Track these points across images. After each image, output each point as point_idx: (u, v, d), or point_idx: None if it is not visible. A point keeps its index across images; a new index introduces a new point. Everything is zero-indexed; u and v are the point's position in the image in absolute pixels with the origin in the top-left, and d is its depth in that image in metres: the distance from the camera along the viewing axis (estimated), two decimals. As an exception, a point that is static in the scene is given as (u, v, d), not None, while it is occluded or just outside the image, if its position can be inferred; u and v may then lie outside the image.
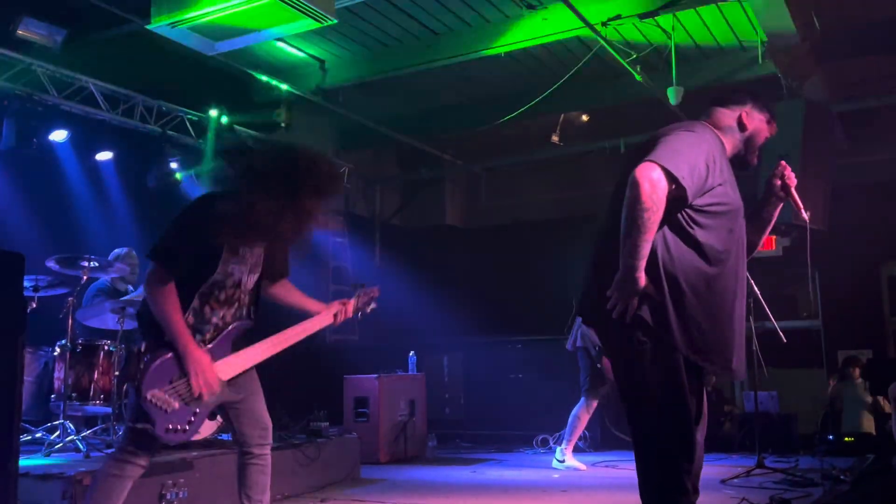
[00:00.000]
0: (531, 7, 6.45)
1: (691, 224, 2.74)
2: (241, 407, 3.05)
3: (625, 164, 2.83)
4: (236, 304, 3.02)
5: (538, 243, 9.76)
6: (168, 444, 2.91)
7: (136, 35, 6.29)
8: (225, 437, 5.63)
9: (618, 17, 6.35)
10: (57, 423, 5.00)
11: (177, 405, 2.81)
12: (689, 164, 2.68)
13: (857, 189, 8.27)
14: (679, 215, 2.73)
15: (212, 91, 7.51)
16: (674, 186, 2.66)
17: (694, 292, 2.71)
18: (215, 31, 5.65)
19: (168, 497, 4.35)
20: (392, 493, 5.49)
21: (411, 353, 8.10)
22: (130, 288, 6.10)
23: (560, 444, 6.67)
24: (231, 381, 2.98)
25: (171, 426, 2.81)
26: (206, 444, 5.26)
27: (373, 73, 7.51)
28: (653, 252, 2.68)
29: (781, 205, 3.03)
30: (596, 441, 7.77)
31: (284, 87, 7.56)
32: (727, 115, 2.98)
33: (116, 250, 5.91)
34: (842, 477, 5.37)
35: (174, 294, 2.83)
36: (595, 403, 6.61)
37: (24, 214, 6.15)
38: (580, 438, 6.98)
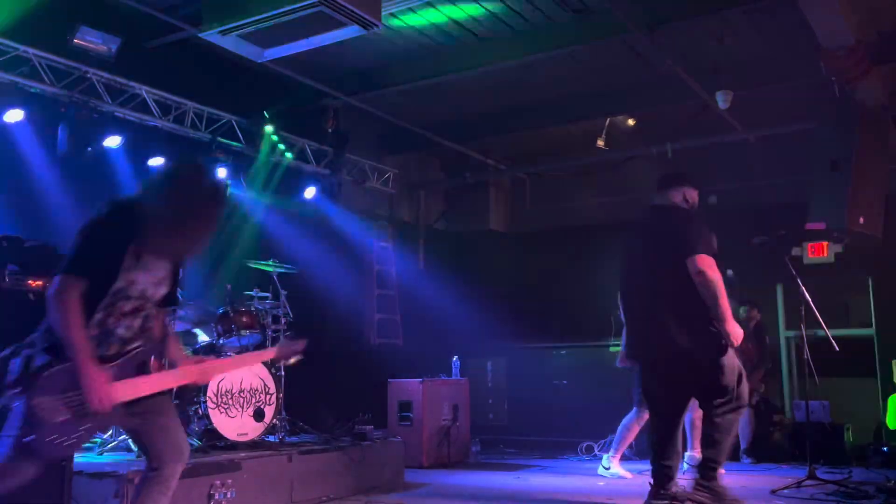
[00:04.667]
0: (577, 11, 6.41)
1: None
2: (153, 425, 2.92)
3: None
4: (143, 317, 2.94)
5: (582, 249, 9.68)
6: (43, 456, 2.70)
7: (187, 43, 6.44)
8: (272, 438, 5.71)
9: (665, 20, 6.29)
10: (110, 422, 5.11)
11: (64, 417, 2.67)
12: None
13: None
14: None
15: (260, 97, 7.63)
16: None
17: None
18: (264, 39, 5.76)
19: (217, 497, 4.43)
20: (437, 498, 5.50)
21: (455, 357, 8.10)
22: None
23: (607, 452, 6.61)
24: (131, 406, 2.85)
25: (54, 438, 2.66)
26: (254, 445, 5.34)
27: (417, 79, 7.54)
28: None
29: None
30: (642, 450, 7.66)
31: (331, 92, 7.64)
32: (676, 194, 4.44)
33: None
34: (897, 490, 5.23)
35: (79, 306, 2.72)
36: (647, 415, 6.52)
37: (79, 218, 6.26)
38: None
